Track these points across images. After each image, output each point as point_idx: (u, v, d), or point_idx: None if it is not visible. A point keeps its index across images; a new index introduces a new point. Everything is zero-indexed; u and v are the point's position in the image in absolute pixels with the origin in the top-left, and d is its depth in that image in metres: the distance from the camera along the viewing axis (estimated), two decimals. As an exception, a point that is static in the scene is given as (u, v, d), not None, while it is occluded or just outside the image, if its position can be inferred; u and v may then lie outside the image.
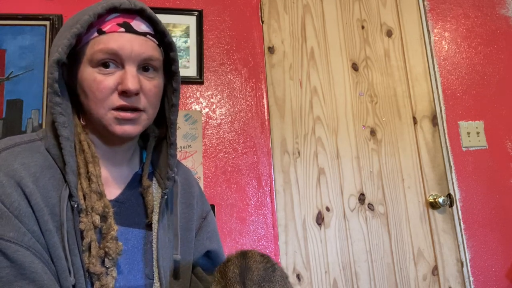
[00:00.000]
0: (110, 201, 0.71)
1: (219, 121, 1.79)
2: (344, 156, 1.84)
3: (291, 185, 1.77)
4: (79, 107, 0.74)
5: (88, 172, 0.68)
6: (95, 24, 0.68)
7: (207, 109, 1.79)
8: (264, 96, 1.85)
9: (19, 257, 0.58)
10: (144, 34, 0.70)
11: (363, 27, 2.01)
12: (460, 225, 1.84)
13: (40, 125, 1.63)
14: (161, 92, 0.75)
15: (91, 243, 0.64)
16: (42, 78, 1.69)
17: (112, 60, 0.67)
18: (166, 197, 0.76)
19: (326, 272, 1.71)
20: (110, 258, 0.65)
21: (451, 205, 1.82)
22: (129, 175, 0.78)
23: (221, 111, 1.81)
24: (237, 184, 1.73)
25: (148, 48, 0.70)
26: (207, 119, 1.78)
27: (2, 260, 0.58)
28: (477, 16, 2.12)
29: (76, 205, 0.64)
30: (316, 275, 1.69)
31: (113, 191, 0.74)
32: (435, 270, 1.78)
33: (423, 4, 2.09)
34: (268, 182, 1.76)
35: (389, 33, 2.02)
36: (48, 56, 1.70)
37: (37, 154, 0.67)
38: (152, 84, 0.71)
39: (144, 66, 0.70)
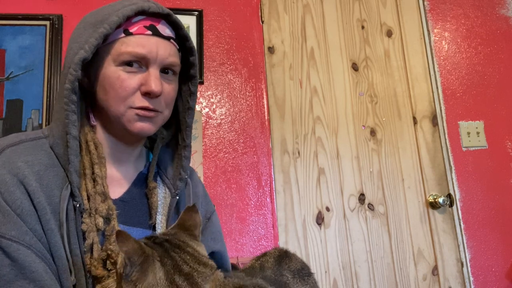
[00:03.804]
0: (115, 200, 0.71)
1: (219, 121, 1.79)
2: (344, 156, 1.84)
3: (291, 185, 1.77)
4: (89, 106, 0.74)
5: (93, 173, 0.68)
6: (122, 24, 0.68)
7: (207, 109, 1.79)
8: (264, 96, 1.85)
9: (20, 256, 0.58)
10: (168, 38, 0.71)
11: (363, 27, 2.01)
12: (460, 225, 1.84)
13: (40, 125, 1.63)
14: (176, 95, 0.76)
15: (93, 245, 0.64)
16: (42, 78, 1.68)
17: (137, 62, 0.68)
18: (177, 197, 0.76)
19: (326, 272, 1.71)
20: (112, 261, 0.64)
21: (451, 205, 1.82)
22: (134, 174, 0.78)
23: (221, 111, 1.81)
24: (237, 184, 1.73)
25: (172, 53, 0.71)
26: (207, 119, 1.78)
27: (3, 259, 0.58)
28: (477, 16, 2.12)
29: (78, 205, 0.64)
30: (316, 275, 1.69)
31: (117, 190, 0.74)
32: (435, 270, 1.78)
33: (423, 4, 2.09)
34: (268, 182, 1.76)
35: (389, 33, 2.02)
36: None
37: (42, 152, 0.67)
38: (171, 87, 0.73)
39: (165, 69, 0.72)
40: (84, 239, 0.64)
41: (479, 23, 2.12)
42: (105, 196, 0.67)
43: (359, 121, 1.89)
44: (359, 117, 1.90)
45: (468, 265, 1.80)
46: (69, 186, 0.65)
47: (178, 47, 0.75)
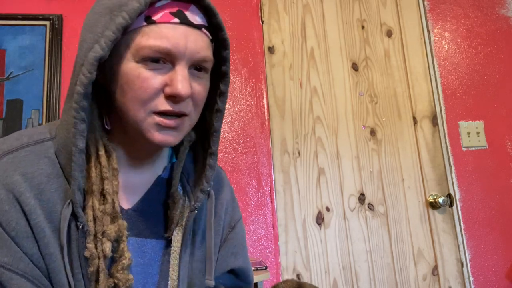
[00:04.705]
0: (127, 210, 0.63)
1: (219, 121, 1.79)
2: (344, 156, 1.84)
3: (291, 185, 1.77)
4: (102, 107, 0.63)
5: (103, 189, 0.59)
6: (143, 10, 0.56)
7: (207, 109, 1.79)
8: (264, 96, 1.85)
9: (12, 286, 0.53)
10: (199, 27, 0.59)
11: (363, 27, 2.01)
12: (460, 225, 1.84)
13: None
14: (207, 95, 0.64)
15: (99, 273, 0.57)
16: (42, 78, 1.69)
17: (161, 58, 0.56)
18: (195, 211, 0.67)
19: (326, 272, 1.71)
20: None
21: (451, 205, 1.82)
22: (150, 179, 0.68)
23: (221, 111, 1.81)
24: (237, 184, 1.73)
25: (203, 46, 0.59)
26: (207, 119, 1.78)
27: None
28: (477, 16, 2.12)
29: (81, 227, 0.56)
30: (316, 275, 1.69)
31: (131, 198, 0.65)
32: (435, 270, 1.78)
33: (423, 4, 2.09)
34: (268, 182, 1.76)
35: (389, 33, 2.02)
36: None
37: (45, 160, 0.58)
38: (202, 86, 0.60)
39: (195, 66, 0.60)
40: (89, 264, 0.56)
41: (479, 23, 2.12)
42: (115, 214, 0.58)
43: (359, 121, 1.89)
44: (359, 117, 1.90)
45: (468, 265, 1.80)
46: (70, 204, 0.56)
47: (211, 38, 0.62)
